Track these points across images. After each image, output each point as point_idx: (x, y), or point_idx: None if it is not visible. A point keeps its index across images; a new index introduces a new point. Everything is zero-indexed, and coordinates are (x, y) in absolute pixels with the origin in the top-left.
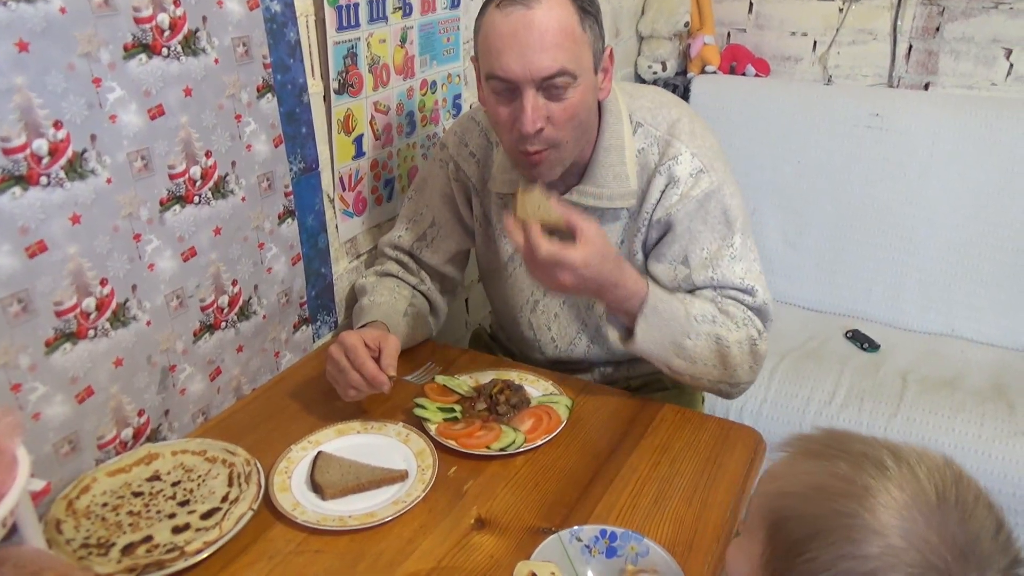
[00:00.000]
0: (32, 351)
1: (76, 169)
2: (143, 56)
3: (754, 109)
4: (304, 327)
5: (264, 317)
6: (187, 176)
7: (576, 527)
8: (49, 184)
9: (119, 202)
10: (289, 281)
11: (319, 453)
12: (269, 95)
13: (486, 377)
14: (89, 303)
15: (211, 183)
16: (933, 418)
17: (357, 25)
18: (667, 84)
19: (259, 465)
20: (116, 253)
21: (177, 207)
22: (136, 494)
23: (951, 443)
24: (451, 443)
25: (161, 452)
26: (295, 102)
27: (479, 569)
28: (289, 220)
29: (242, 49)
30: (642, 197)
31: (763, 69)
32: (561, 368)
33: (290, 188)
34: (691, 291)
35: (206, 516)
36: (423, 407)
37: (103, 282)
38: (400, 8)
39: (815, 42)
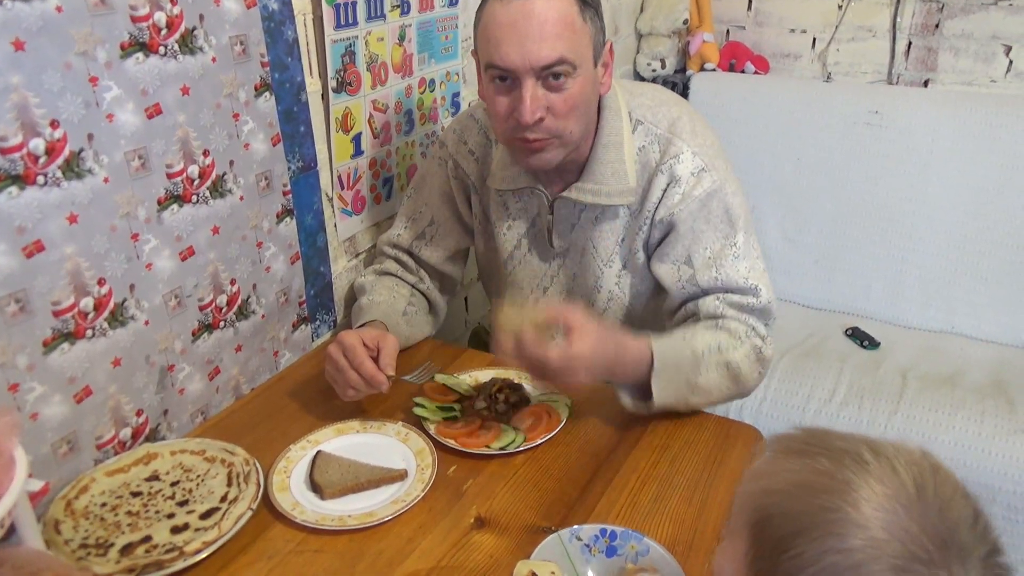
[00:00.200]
0: (30, 351)
1: (73, 168)
2: (140, 55)
3: (753, 106)
4: (303, 326)
5: (263, 316)
6: (185, 175)
7: (576, 526)
8: (46, 184)
9: (117, 202)
10: (288, 280)
11: (318, 452)
12: (267, 94)
13: (486, 376)
14: (87, 303)
15: (209, 182)
16: (933, 415)
17: (355, 23)
18: (666, 82)
19: (258, 465)
20: (114, 253)
21: (175, 206)
22: (135, 494)
23: (951, 440)
24: (450, 442)
25: (160, 452)
26: (293, 101)
27: (479, 568)
28: (287, 219)
29: (239, 48)
30: (643, 196)
31: (762, 66)
32: None
33: (288, 187)
34: (694, 297)
35: (205, 516)
36: (422, 406)
37: (101, 282)
38: (398, 6)
39: (814, 39)
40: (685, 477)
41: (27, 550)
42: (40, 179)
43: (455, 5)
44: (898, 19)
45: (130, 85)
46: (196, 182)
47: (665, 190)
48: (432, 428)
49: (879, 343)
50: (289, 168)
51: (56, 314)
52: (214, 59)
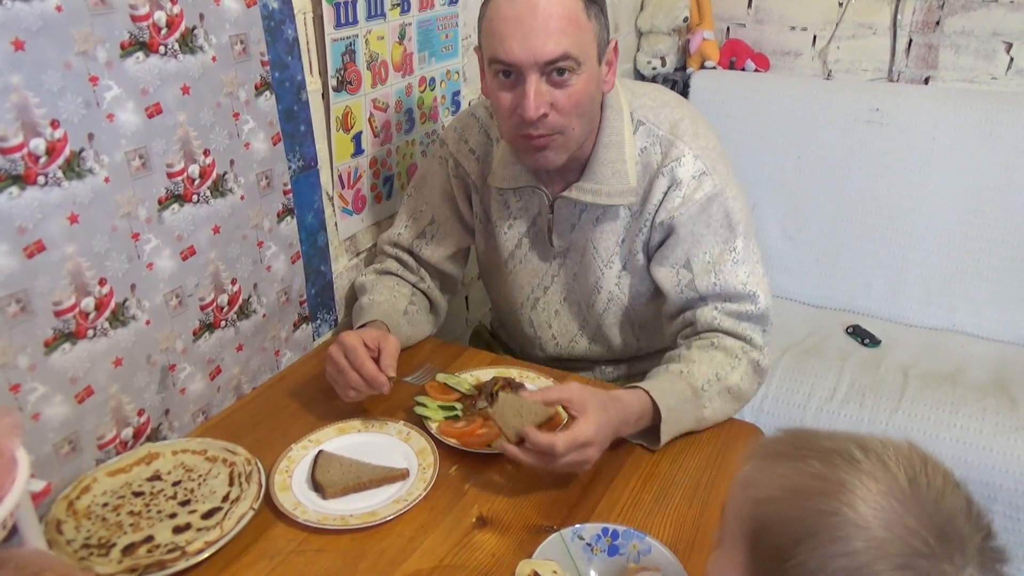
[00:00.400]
0: (31, 351)
1: (74, 168)
2: (140, 54)
3: (754, 104)
4: (304, 325)
5: (264, 316)
6: (185, 175)
7: (578, 525)
8: (47, 184)
9: (117, 201)
10: (289, 279)
11: (320, 452)
12: (267, 93)
13: (487, 375)
14: (88, 303)
15: (209, 182)
16: (934, 413)
17: (355, 22)
18: (666, 80)
19: (260, 464)
20: (115, 252)
21: (176, 206)
22: (137, 494)
23: (952, 438)
24: (452, 441)
25: (161, 452)
26: (293, 100)
27: (481, 568)
28: (288, 218)
29: (240, 47)
30: (644, 197)
31: (763, 64)
32: (562, 366)
33: (289, 186)
34: (693, 303)
35: (207, 516)
36: (424, 405)
37: (102, 282)
38: (398, 5)
39: (815, 37)
40: (687, 476)
41: (29, 550)
42: (41, 179)
43: (455, 3)
44: (899, 16)
45: (130, 84)
46: (197, 181)
47: (666, 193)
48: (433, 427)
49: (880, 341)
50: (290, 167)
51: (57, 314)
52: (214, 58)
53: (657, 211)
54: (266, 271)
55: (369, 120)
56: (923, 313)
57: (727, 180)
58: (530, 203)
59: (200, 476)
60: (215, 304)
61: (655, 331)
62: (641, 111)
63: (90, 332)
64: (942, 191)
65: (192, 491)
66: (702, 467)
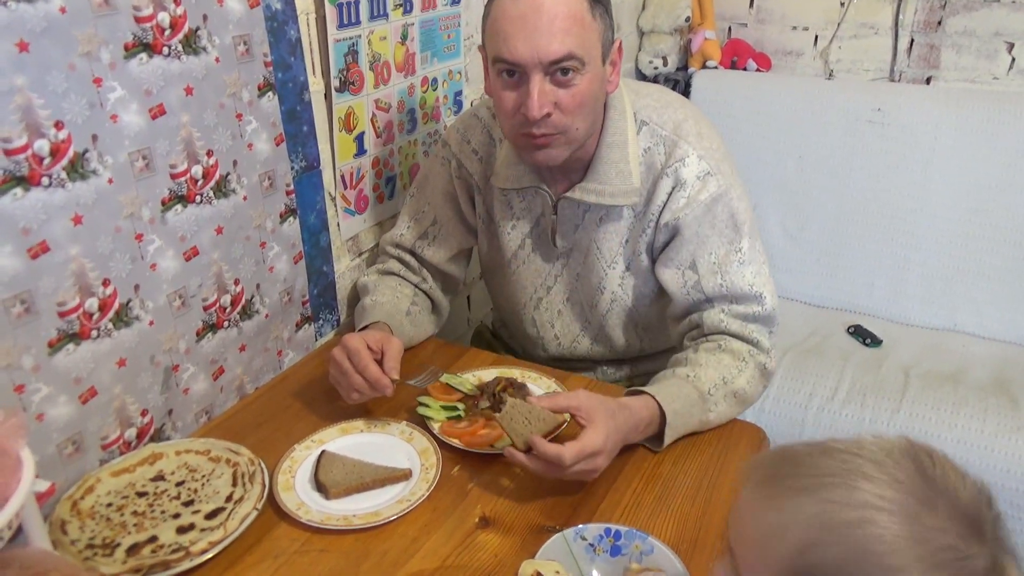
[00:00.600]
0: (35, 352)
1: (77, 169)
2: (144, 55)
3: (755, 104)
4: (306, 326)
5: (266, 316)
6: (188, 175)
7: (580, 526)
8: (51, 185)
9: (121, 202)
10: (291, 280)
11: (323, 452)
12: (270, 93)
13: (489, 375)
14: (92, 303)
15: (212, 182)
16: (936, 413)
17: (358, 22)
18: (668, 79)
19: (263, 464)
20: (118, 253)
21: (179, 207)
22: (140, 494)
23: (954, 438)
24: (455, 441)
25: (165, 452)
26: (296, 100)
27: (484, 568)
28: (291, 219)
29: (243, 47)
30: (648, 198)
31: (764, 64)
32: (564, 366)
33: (291, 187)
34: (699, 306)
35: (210, 516)
36: (426, 406)
37: (105, 282)
38: (401, 5)
39: (816, 36)
40: (689, 476)
41: (34, 550)
42: (45, 180)
43: (457, 4)
44: (900, 16)
45: (134, 86)
46: (200, 182)
47: (670, 193)
48: (436, 427)
49: (881, 341)
50: (292, 168)
51: (61, 315)
52: (217, 59)
53: (661, 212)
54: (269, 271)
55: (371, 120)
56: (925, 313)
57: (731, 180)
58: (533, 203)
59: (203, 476)
60: (218, 304)
61: (658, 332)
62: (644, 111)
63: (94, 333)
64: (944, 191)
65: (196, 491)
66: (704, 467)
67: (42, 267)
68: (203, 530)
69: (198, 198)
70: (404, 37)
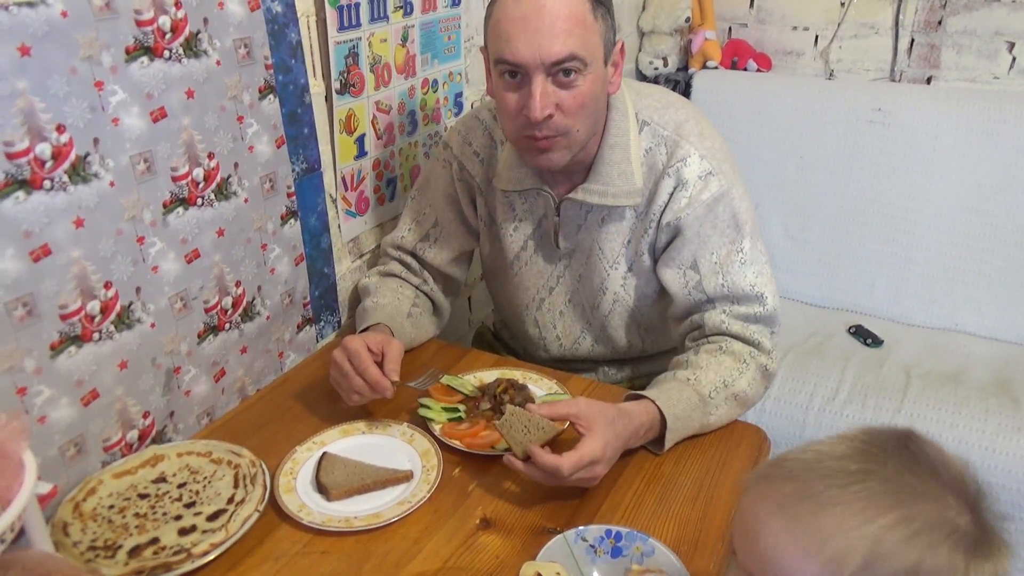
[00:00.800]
0: (37, 354)
1: (79, 173)
2: (145, 59)
3: (756, 104)
4: (308, 327)
5: (268, 318)
6: (190, 178)
7: (581, 527)
8: (52, 188)
9: (122, 205)
10: (292, 282)
11: (324, 454)
12: (271, 96)
13: (490, 376)
14: (93, 306)
15: (214, 185)
16: (937, 413)
17: (358, 25)
18: (668, 80)
19: (264, 466)
20: (120, 256)
21: (180, 209)
22: (142, 496)
23: (955, 438)
24: (456, 443)
25: (166, 454)
26: (297, 103)
27: (485, 569)
28: (292, 221)
29: (243, 50)
30: (650, 198)
31: (765, 64)
32: (565, 367)
33: (292, 189)
34: (700, 306)
35: (212, 518)
36: (427, 407)
37: (107, 285)
38: (401, 7)
39: (817, 36)
40: (690, 478)
41: (36, 552)
42: (47, 183)
43: (457, 5)
44: (901, 16)
45: (135, 89)
46: (201, 185)
47: (672, 193)
48: (437, 429)
49: (882, 341)
50: (293, 170)
51: (63, 317)
52: (218, 62)
53: (663, 212)
54: (270, 273)
55: (372, 122)
56: (925, 313)
57: (733, 180)
58: (536, 205)
59: (205, 478)
60: (219, 307)
61: (660, 332)
62: (646, 112)
63: (96, 335)
64: (944, 191)
65: (197, 493)
66: (705, 469)
67: (44, 270)
68: (205, 532)
69: (199, 200)
70: (404, 39)
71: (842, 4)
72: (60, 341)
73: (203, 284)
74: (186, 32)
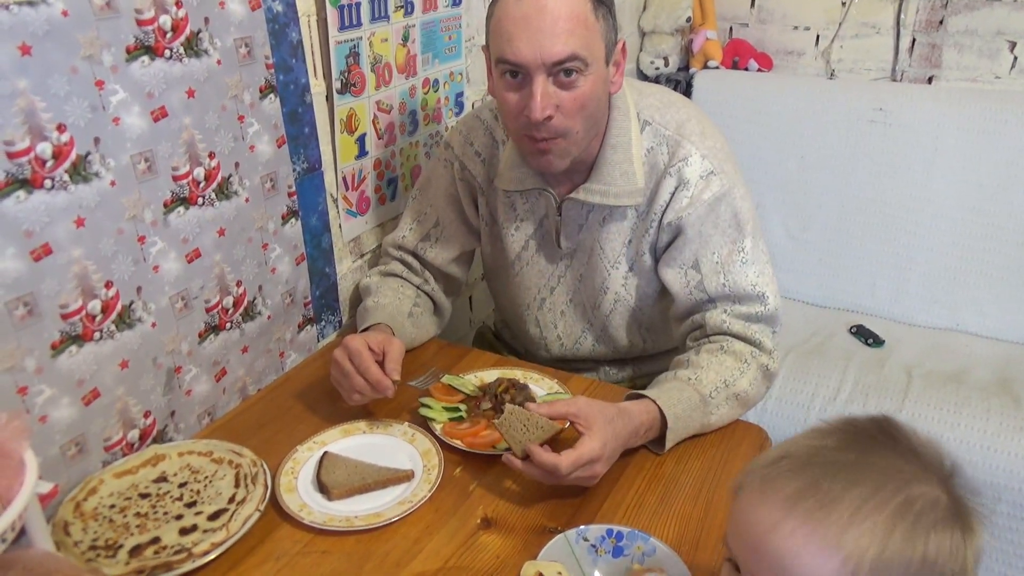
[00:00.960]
0: (38, 354)
1: (80, 172)
2: (146, 58)
3: (757, 104)
4: (308, 327)
5: (268, 317)
6: (191, 178)
7: (582, 526)
8: (53, 187)
9: (123, 204)
10: (293, 281)
11: (325, 453)
12: (272, 96)
13: (491, 376)
14: (94, 305)
15: (215, 184)
16: (938, 413)
17: (359, 24)
18: (669, 80)
19: (265, 466)
20: (121, 255)
21: (181, 209)
22: (143, 496)
23: (956, 438)
24: (456, 443)
25: (167, 453)
26: (298, 102)
27: (486, 569)
28: (293, 220)
29: (244, 50)
30: (651, 198)
31: (766, 64)
32: (566, 367)
33: (293, 188)
34: (702, 306)
35: (213, 517)
36: (428, 407)
37: (108, 284)
38: (402, 7)
39: (818, 36)
40: (691, 477)
41: (38, 552)
42: (47, 183)
43: (458, 5)
44: (902, 16)
45: (136, 88)
46: (202, 184)
47: (673, 193)
48: (438, 429)
49: (884, 341)
50: (294, 169)
51: (64, 317)
52: (219, 62)
53: (664, 212)
54: (271, 273)
55: (373, 122)
56: (927, 313)
57: (735, 180)
58: (537, 205)
59: (206, 477)
60: (220, 306)
61: (661, 332)
62: (647, 111)
63: (96, 335)
64: (946, 190)
65: (198, 492)
66: (706, 468)
67: (45, 269)
68: (205, 531)
69: (200, 200)
70: (405, 39)
71: (843, 4)
72: (61, 340)
73: (204, 284)
74: (187, 31)
